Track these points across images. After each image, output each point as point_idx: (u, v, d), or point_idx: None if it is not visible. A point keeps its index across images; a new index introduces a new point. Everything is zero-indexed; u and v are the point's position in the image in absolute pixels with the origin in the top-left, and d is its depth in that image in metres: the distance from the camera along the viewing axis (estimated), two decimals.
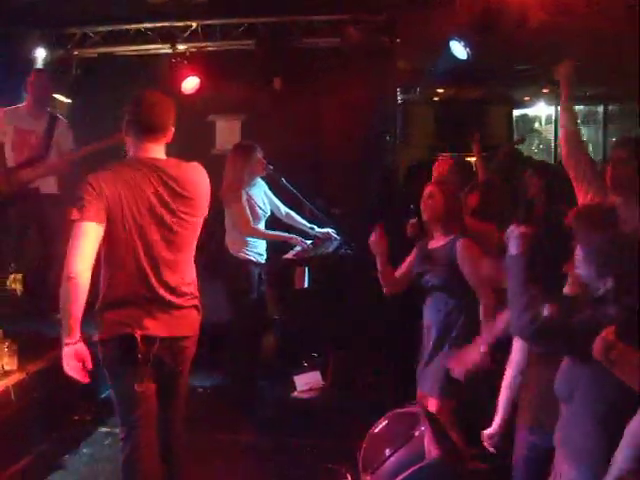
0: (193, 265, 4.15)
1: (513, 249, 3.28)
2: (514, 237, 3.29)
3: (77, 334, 3.69)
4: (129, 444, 3.99)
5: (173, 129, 4.07)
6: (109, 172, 3.88)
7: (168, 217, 3.94)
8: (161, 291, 3.94)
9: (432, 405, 4.77)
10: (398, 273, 5.14)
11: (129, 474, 4.02)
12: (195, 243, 4.13)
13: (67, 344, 3.68)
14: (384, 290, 5.14)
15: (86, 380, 3.72)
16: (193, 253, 4.14)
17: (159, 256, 3.93)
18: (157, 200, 3.91)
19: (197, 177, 4.13)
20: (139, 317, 3.89)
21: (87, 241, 3.68)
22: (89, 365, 3.71)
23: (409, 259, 5.16)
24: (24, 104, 6.90)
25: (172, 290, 3.99)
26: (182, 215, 3.98)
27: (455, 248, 4.70)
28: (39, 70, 7.03)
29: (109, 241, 3.82)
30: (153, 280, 3.91)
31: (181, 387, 4.28)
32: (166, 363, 4.03)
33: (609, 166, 4.53)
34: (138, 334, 3.84)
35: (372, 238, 4.99)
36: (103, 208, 3.72)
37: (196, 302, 4.15)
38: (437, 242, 4.89)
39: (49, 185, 6.91)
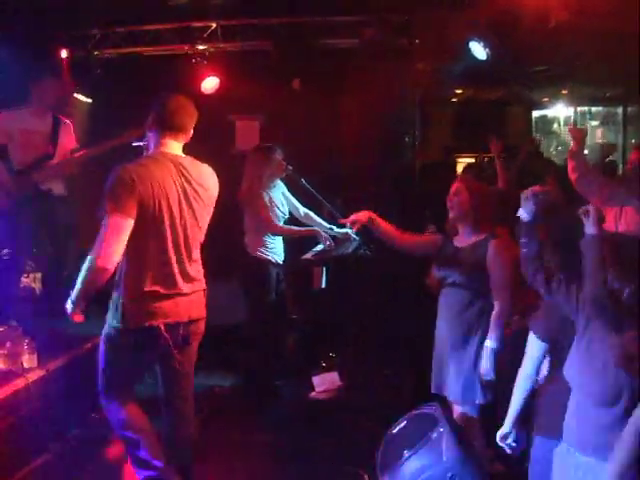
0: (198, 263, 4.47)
1: (591, 229, 3.25)
2: (592, 216, 3.26)
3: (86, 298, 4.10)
4: (121, 409, 4.39)
5: (192, 131, 4.39)
6: (139, 166, 4.12)
7: (190, 211, 4.25)
8: (182, 282, 4.28)
9: (456, 410, 4.75)
10: (409, 235, 5.09)
11: (129, 429, 4.39)
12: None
13: (80, 301, 4.10)
14: (391, 244, 5.07)
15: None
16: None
17: (183, 249, 4.24)
18: (183, 195, 4.20)
19: (210, 176, 4.46)
20: (162, 308, 4.19)
21: (122, 235, 3.94)
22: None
23: (425, 238, 5.18)
24: (28, 105, 6.81)
25: (190, 280, 4.34)
26: (198, 209, 4.31)
27: (486, 248, 4.61)
28: (51, 75, 6.98)
29: (138, 236, 4.04)
30: (177, 272, 4.23)
31: (189, 366, 4.59)
32: (189, 344, 4.44)
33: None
34: (162, 324, 4.16)
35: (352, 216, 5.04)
36: (136, 204, 3.99)
37: (204, 286, 4.51)
38: (465, 240, 4.78)
39: (57, 187, 6.91)
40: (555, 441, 3.39)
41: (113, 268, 3.97)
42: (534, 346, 3.70)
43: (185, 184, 4.21)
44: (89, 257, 3.95)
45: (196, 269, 4.41)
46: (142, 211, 4.01)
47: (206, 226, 4.44)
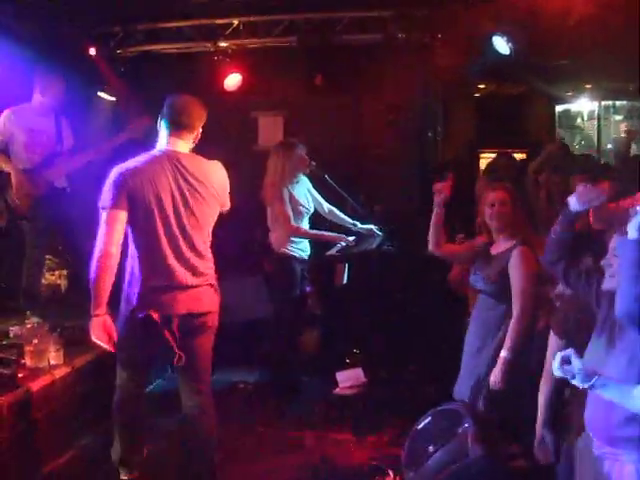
0: (209, 248, 4.57)
1: (634, 232, 2.97)
2: (636, 219, 3.00)
3: (105, 307, 4.21)
4: (119, 392, 4.64)
5: (200, 130, 4.54)
6: (132, 163, 4.33)
7: (186, 207, 4.36)
8: (181, 273, 4.38)
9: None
10: (449, 245, 5.12)
11: (116, 415, 4.67)
12: (210, 229, 4.56)
13: (97, 315, 4.19)
14: (429, 246, 5.05)
15: (112, 349, 4.28)
16: (209, 238, 4.57)
17: (182, 243, 4.36)
18: (177, 191, 4.33)
19: (211, 170, 4.54)
20: (158, 300, 4.35)
21: (115, 226, 4.20)
22: (114, 336, 4.25)
23: (464, 248, 5.14)
24: (31, 103, 6.74)
25: (191, 271, 4.42)
26: (197, 205, 4.39)
27: (511, 254, 4.55)
28: (60, 76, 6.93)
29: (134, 228, 4.32)
30: (174, 263, 4.35)
31: (203, 359, 4.64)
32: (189, 336, 4.45)
33: None
34: (156, 315, 4.32)
35: (438, 184, 5.00)
36: (126, 198, 4.21)
37: (212, 281, 4.56)
38: (499, 247, 4.72)
39: (60, 180, 6.89)
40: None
41: (109, 258, 4.17)
42: (553, 344, 3.69)
43: (181, 180, 4.34)
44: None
45: (203, 264, 4.48)
46: (133, 206, 4.24)
47: (210, 221, 4.52)
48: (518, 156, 8.49)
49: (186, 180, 4.36)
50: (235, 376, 7.26)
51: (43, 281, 6.93)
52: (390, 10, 7.93)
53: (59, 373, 5.32)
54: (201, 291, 4.48)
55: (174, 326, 4.37)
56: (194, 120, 4.49)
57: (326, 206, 6.89)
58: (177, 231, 4.35)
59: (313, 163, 6.64)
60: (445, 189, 4.94)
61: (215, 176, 4.53)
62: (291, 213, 6.49)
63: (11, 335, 5.87)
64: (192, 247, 4.42)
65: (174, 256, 4.35)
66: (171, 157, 4.38)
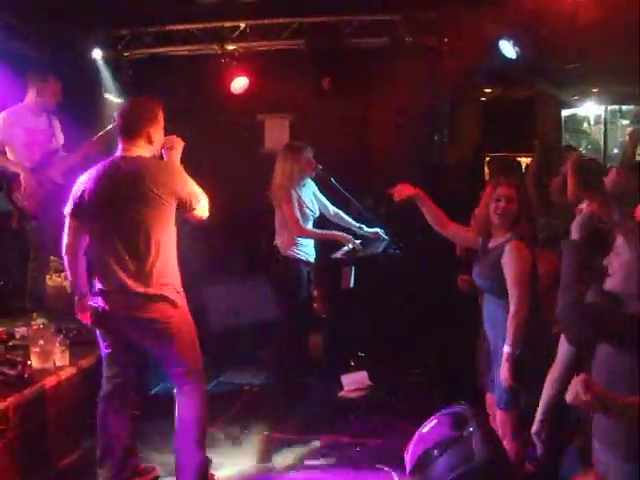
0: (165, 256, 4.51)
1: (575, 233, 3.12)
2: (580, 220, 3.13)
3: (79, 292, 4.70)
4: (101, 391, 4.82)
5: (149, 131, 4.52)
6: (91, 170, 4.53)
7: (122, 208, 4.42)
8: (122, 277, 4.43)
9: (499, 414, 4.69)
10: (455, 224, 5.03)
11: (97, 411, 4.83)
12: (160, 233, 4.47)
13: (77, 298, 4.71)
14: (436, 228, 4.99)
15: (87, 321, 4.74)
16: (163, 244, 4.49)
17: (118, 245, 4.43)
18: (114, 192, 4.42)
19: (154, 172, 4.47)
20: (103, 301, 4.53)
21: (69, 233, 4.60)
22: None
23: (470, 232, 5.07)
24: (26, 103, 6.75)
25: (133, 276, 4.43)
26: (134, 206, 4.41)
27: (504, 248, 4.50)
28: (55, 76, 6.92)
29: (89, 234, 4.57)
30: (116, 267, 4.44)
31: (166, 358, 4.73)
32: (134, 338, 4.62)
33: None
34: (100, 310, 4.55)
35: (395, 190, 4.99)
36: (77, 205, 4.50)
37: (166, 292, 4.50)
38: (496, 241, 4.67)
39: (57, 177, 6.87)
40: None
41: (66, 258, 4.67)
42: (563, 349, 3.66)
43: (120, 186, 4.41)
44: None
45: (147, 268, 4.43)
46: (84, 213, 4.51)
47: (153, 225, 4.44)
48: (524, 160, 8.48)
49: (125, 184, 4.39)
50: (241, 379, 7.27)
51: (49, 282, 6.93)
52: (398, 13, 7.95)
53: (65, 374, 5.32)
54: (147, 299, 4.46)
55: (113, 326, 4.59)
56: (137, 123, 4.51)
57: (332, 209, 6.89)
58: (115, 236, 4.42)
59: (319, 166, 6.64)
60: (402, 191, 4.95)
61: (160, 177, 4.43)
62: (299, 215, 6.50)
63: (17, 336, 5.87)
64: (132, 251, 4.43)
65: (115, 260, 4.43)
66: (115, 162, 4.48)
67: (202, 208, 4.64)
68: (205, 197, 4.64)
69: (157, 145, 4.61)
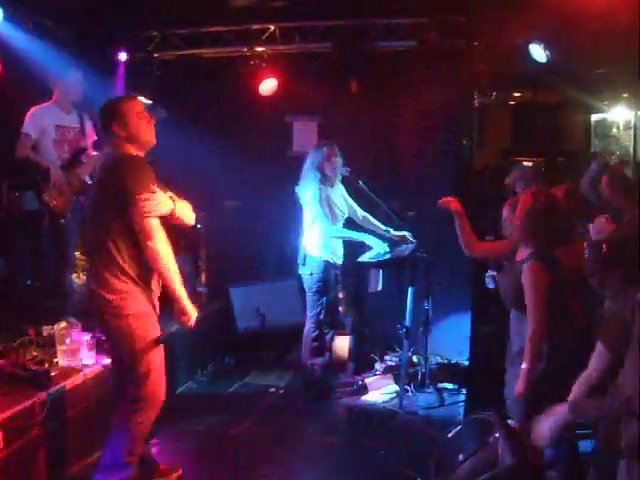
0: (112, 265, 4.29)
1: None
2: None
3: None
4: None
5: (113, 130, 4.38)
6: None
7: (89, 211, 4.47)
8: (89, 280, 4.48)
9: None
10: (481, 243, 5.21)
11: None
12: (117, 237, 4.27)
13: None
14: (465, 252, 5.15)
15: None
16: (114, 248, 4.27)
17: (88, 248, 4.57)
18: (90, 197, 4.52)
19: (112, 169, 4.33)
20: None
21: None
22: None
23: (498, 244, 5.18)
24: (54, 100, 6.74)
25: (93, 278, 4.39)
26: (95, 208, 4.40)
27: (523, 267, 4.43)
28: (78, 74, 6.94)
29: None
30: (90, 271, 4.52)
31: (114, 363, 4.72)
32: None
33: None
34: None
35: (441, 200, 5.24)
36: None
37: (100, 301, 4.35)
38: (521, 254, 4.60)
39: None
40: None
41: None
42: (600, 357, 3.56)
43: (94, 185, 4.52)
44: None
45: (102, 273, 4.32)
46: None
47: (105, 227, 4.29)
48: None
49: (93, 185, 4.53)
50: (266, 380, 7.29)
51: (77, 280, 6.97)
52: (427, 17, 7.92)
53: (91, 372, 5.36)
54: (93, 301, 4.43)
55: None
56: (102, 121, 4.51)
57: (360, 212, 6.89)
58: (86, 240, 4.61)
59: (348, 169, 6.64)
60: (450, 203, 5.18)
61: (114, 174, 4.28)
62: (329, 215, 6.51)
63: (45, 334, 5.92)
64: (93, 255, 4.47)
65: (89, 263, 4.61)
66: (100, 162, 4.57)
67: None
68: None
69: (134, 140, 4.42)
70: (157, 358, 4.46)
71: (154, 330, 4.44)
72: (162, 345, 4.49)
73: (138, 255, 4.29)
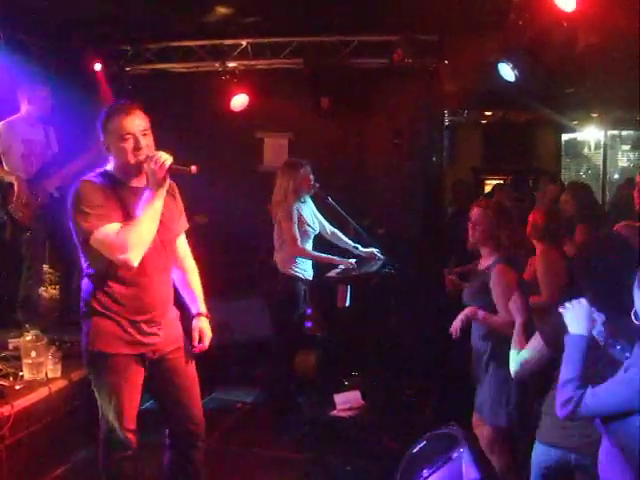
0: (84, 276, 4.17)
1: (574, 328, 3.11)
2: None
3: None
4: None
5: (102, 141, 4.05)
6: None
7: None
8: None
9: (487, 431, 4.70)
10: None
11: None
12: (82, 254, 4.15)
13: None
14: None
15: None
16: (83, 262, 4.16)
17: None
18: None
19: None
20: None
21: None
22: None
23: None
24: (22, 115, 6.75)
25: None
26: None
27: (491, 273, 4.56)
28: (45, 86, 6.91)
29: None
30: None
31: None
32: None
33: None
34: None
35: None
36: None
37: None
38: (484, 262, 4.75)
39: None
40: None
41: None
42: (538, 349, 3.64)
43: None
44: None
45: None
46: None
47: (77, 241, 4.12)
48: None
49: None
50: (233, 395, 7.26)
51: (44, 294, 6.93)
52: (398, 35, 7.98)
53: (56, 386, 5.33)
54: None
55: None
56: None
57: (329, 228, 6.89)
58: None
59: (317, 184, 6.64)
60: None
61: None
62: (298, 233, 6.49)
63: (10, 347, 5.88)
64: None
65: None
66: None
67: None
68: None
69: (119, 153, 3.98)
70: None
71: None
72: None
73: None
